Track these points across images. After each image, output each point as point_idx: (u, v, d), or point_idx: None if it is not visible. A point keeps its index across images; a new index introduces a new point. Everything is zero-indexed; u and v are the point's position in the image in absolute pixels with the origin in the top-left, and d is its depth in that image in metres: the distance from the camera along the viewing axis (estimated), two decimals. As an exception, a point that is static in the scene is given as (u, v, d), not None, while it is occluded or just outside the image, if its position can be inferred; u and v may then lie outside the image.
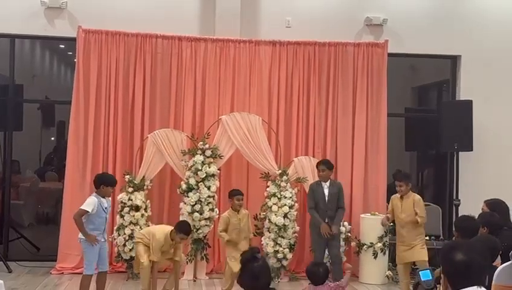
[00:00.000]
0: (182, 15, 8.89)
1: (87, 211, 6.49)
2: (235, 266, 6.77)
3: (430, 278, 3.58)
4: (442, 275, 3.10)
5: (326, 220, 7.64)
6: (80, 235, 6.61)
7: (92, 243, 6.51)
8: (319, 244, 7.66)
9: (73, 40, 8.55)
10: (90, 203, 6.53)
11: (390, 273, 8.10)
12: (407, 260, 7.19)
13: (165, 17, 8.81)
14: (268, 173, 8.35)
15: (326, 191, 7.69)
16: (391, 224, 7.77)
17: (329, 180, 7.79)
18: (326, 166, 7.83)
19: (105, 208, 6.65)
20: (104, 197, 6.66)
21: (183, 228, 6.98)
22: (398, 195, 7.28)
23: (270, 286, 3.96)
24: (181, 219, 7.94)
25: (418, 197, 7.24)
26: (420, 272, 3.60)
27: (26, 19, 8.69)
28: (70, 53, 9.93)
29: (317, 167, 7.89)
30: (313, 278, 5.70)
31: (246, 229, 7.41)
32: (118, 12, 8.78)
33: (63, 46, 10.81)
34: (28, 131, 9.67)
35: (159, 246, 6.88)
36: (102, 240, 6.72)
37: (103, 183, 6.66)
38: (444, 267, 3.09)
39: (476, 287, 2.96)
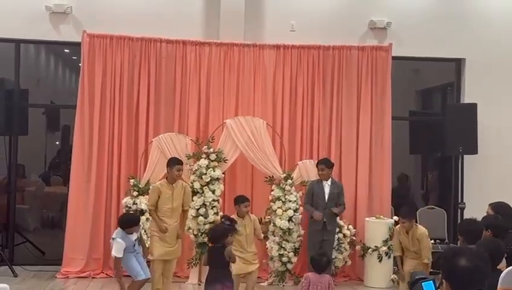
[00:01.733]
0: (186, 19, 8.91)
1: (120, 258, 6.67)
2: (241, 269, 6.80)
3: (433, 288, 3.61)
4: (443, 280, 3.09)
5: (325, 219, 7.82)
6: (113, 254, 6.77)
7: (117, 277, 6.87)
8: (313, 243, 7.77)
9: (78, 44, 8.58)
10: (119, 249, 6.66)
11: (396, 276, 8.08)
12: (414, 269, 7.18)
13: (170, 22, 8.83)
14: (272, 176, 8.35)
15: (327, 190, 7.88)
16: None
17: (330, 179, 7.97)
18: (325, 165, 8.01)
19: (134, 240, 6.79)
20: (131, 233, 6.77)
21: (172, 160, 7.29)
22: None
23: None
24: (185, 222, 7.96)
25: (420, 232, 7.08)
26: (423, 284, 3.62)
27: (31, 24, 8.73)
28: (75, 58, 9.96)
29: (316, 166, 8.05)
30: (316, 266, 6.32)
31: (251, 234, 7.32)
32: (122, 16, 8.80)
33: (67, 50, 10.84)
34: (33, 135, 9.68)
35: (157, 192, 7.03)
36: (136, 251, 6.85)
37: (127, 226, 6.77)
38: (445, 272, 3.09)
39: None
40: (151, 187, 7.49)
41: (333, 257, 8.13)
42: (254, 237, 7.28)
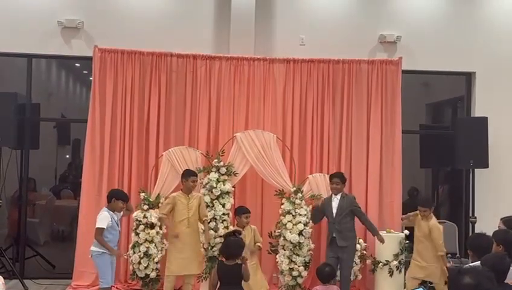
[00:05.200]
0: (197, 33, 8.98)
1: (104, 228, 6.74)
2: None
3: None
4: None
5: (334, 234, 7.61)
6: (93, 248, 6.83)
7: (117, 256, 6.89)
8: (330, 260, 7.54)
9: (89, 59, 8.65)
10: (104, 218, 6.82)
11: (406, 291, 8.05)
12: (419, 276, 7.32)
13: (180, 36, 8.90)
14: (282, 190, 8.34)
15: (335, 204, 7.67)
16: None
17: (340, 194, 7.77)
18: (340, 179, 7.83)
19: (116, 219, 6.95)
20: (114, 211, 6.91)
21: (187, 172, 7.57)
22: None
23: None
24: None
25: (432, 223, 7.42)
26: None
27: (43, 38, 8.83)
28: (86, 72, 10.04)
29: (330, 180, 7.86)
30: (319, 276, 6.50)
31: (251, 245, 7.43)
32: (133, 31, 8.89)
33: (78, 64, 10.92)
34: (43, 149, 9.74)
35: (172, 202, 7.32)
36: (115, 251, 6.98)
37: (114, 196, 6.97)
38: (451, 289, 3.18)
39: None
40: (168, 198, 7.66)
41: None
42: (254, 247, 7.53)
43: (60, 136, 11.03)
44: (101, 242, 6.76)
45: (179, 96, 8.75)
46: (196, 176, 7.66)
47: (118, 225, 6.95)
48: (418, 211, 7.59)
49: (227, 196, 8.15)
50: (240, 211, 7.59)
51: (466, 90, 9.69)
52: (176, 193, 7.54)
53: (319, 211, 7.85)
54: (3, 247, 8.81)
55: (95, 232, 6.81)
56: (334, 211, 7.66)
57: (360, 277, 8.42)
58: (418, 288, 4.05)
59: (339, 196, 7.72)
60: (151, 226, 8.06)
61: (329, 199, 7.78)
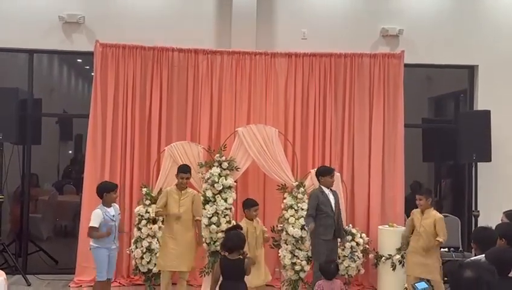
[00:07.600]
0: (198, 28, 8.96)
1: (96, 227, 6.75)
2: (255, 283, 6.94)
3: (427, 286, 3.86)
4: None
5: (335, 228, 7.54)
6: (91, 243, 6.86)
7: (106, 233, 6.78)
8: (320, 253, 7.40)
9: (91, 54, 8.64)
10: (95, 217, 6.80)
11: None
12: (420, 275, 7.19)
13: (181, 30, 8.88)
14: (285, 184, 8.33)
15: (331, 197, 7.57)
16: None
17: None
18: (335, 171, 7.84)
19: (113, 216, 6.92)
20: (110, 205, 6.91)
21: (178, 167, 7.47)
22: (418, 209, 7.36)
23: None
24: (200, 233, 7.97)
25: (439, 216, 7.27)
26: (416, 284, 3.93)
27: (45, 34, 8.82)
28: (88, 67, 10.03)
29: (330, 173, 7.64)
30: (325, 274, 6.56)
31: (261, 237, 7.39)
32: (135, 26, 8.87)
33: (80, 60, 10.92)
34: (46, 145, 9.75)
35: (165, 196, 7.26)
36: (113, 247, 6.96)
37: (105, 190, 6.93)
38: (452, 284, 3.17)
39: None
40: (162, 192, 7.64)
41: (346, 265, 8.14)
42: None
43: (62, 132, 11.03)
44: (94, 237, 6.80)
45: (180, 91, 8.74)
46: (186, 172, 7.38)
47: (113, 220, 6.89)
48: (412, 212, 7.51)
49: (229, 190, 8.15)
50: (249, 205, 7.42)
51: (469, 84, 9.66)
52: (170, 187, 7.46)
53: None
54: (6, 242, 8.82)
55: (88, 231, 6.87)
56: (334, 204, 7.56)
57: (362, 271, 8.41)
58: (420, 282, 4.03)
59: (328, 189, 7.62)
60: (154, 221, 8.07)
61: (324, 193, 7.58)
